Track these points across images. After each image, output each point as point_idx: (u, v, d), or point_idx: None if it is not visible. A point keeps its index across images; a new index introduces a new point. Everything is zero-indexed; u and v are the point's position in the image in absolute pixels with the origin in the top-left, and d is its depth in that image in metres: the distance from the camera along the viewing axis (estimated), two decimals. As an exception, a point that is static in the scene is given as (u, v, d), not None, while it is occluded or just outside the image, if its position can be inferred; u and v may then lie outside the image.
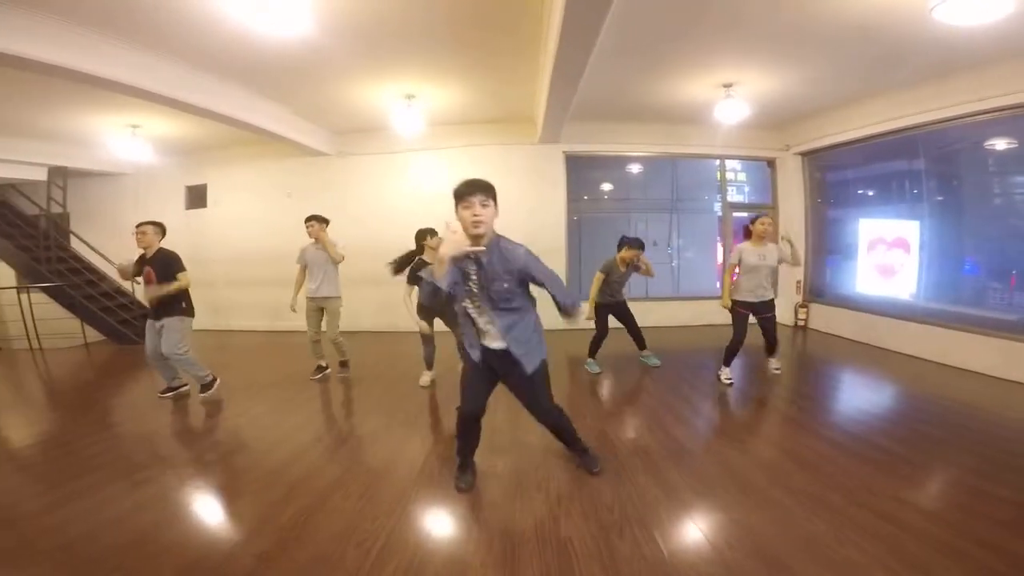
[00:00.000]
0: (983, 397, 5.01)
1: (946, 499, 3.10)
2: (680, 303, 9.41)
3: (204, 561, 2.51)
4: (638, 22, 4.73)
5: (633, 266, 5.74)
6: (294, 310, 5.81)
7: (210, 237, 9.78)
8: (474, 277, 2.76)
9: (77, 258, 9.63)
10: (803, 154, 8.81)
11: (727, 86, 6.46)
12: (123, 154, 8.17)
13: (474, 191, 2.62)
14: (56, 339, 8.57)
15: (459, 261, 2.67)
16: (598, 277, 5.71)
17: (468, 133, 8.72)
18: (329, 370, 6.03)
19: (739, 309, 5.16)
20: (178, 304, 5.09)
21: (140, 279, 5.18)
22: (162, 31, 4.79)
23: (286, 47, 5.08)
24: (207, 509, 3.12)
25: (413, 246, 5.30)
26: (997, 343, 5.65)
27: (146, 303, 5.24)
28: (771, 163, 9.37)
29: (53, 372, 7.21)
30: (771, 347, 5.48)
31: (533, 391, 3.01)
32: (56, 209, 9.34)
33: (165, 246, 5.14)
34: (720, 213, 9.83)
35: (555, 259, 8.79)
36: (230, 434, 4.38)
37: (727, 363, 5.37)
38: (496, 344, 2.88)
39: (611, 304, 5.85)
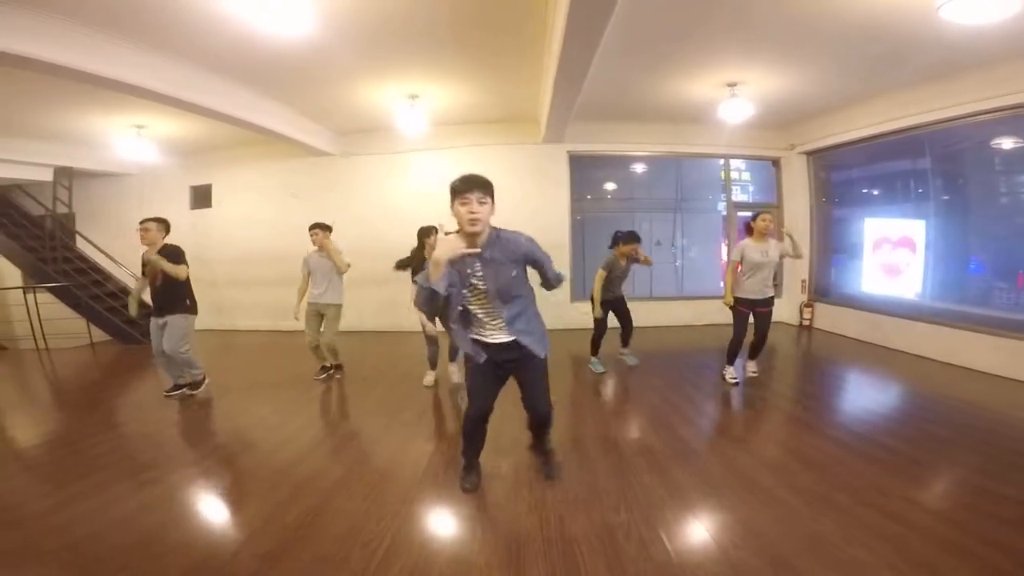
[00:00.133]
0: (989, 397, 4.98)
1: (952, 498, 3.09)
2: (684, 303, 9.40)
3: (210, 561, 2.51)
4: (642, 22, 4.71)
5: (632, 259, 5.75)
6: (297, 319, 5.80)
7: (214, 237, 9.80)
8: (480, 273, 2.72)
9: (83, 258, 9.65)
10: (808, 153, 8.77)
11: (731, 85, 6.43)
12: (128, 154, 8.20)
13: (472, 187, 2.58)
14: (62, 339, 8.60)
15: (455, 263, 2.62)
16: (600, 275, 5.69)
17: (472, 133, 8.72)
18: (333, 370, 6.04)
19: (740, 308, 5.14)
20: (182, 302, 5.11)
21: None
22: (167, 31, 4.80)
23: (290, 47, 5.08)
24: (213, 509, 3.13)
25: (413, 246, 5.29)
26: (1003, 343, 5.62)
27: (150, 301, 5.25)
28: (776, 162, 9.33)
29: (59, 372, 7.24)
30: (759, 346, 5.36)
31: (543, 382, 3.01)
32: (62, 209, 9.37)
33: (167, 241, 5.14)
34: (724, 213, 9.80)
35: (559, 258, 8.63)
36: (235, 434, 4.39)
37: (731, 362, 5.35)
38: (503, 337, 2.85)
39: (611, 300, 5.84)
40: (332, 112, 7.78)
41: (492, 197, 2.66)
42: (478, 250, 2.64)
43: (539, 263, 2.85)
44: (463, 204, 2.58)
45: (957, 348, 6.09)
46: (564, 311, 8.66)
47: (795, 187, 9.04)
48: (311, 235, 5.67)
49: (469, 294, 2.77)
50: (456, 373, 5.50)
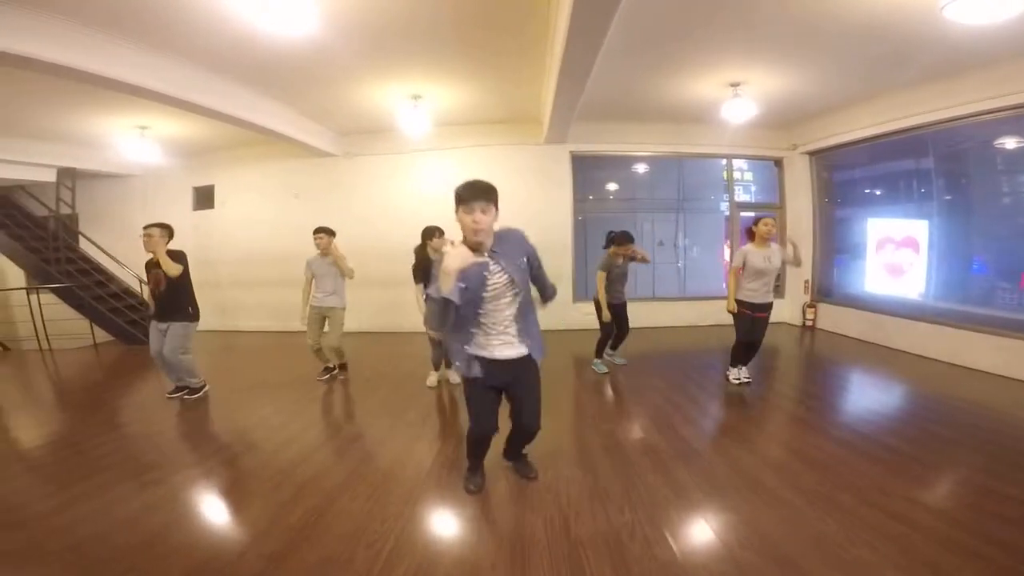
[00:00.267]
0: (993, 397, 4.97)
1: (956, 498, 3.09)
2: (687, 303, 9.39)
3: (214, 562, 2.51)
4: (645, 21, 4.71)
5: (629, 257, 5.75)
6: (304, 323, 5.79)
7: (217, 238, 9.82)
8: (497, 269, 2.67)
9: (86, 259, 9.67)
10: (811, 153, 8.76)
11: (734, 85, 6.43)
12: (131, 155, 8.21)
13: (476, 196, 2.54)
14: (65, 340, 8.62)
15: (465, 271, 2.55)
16: (601, 277, 5.68)
17: (474, 133, 8.72)
18: (336, 371, 6.05)
19: (742, 310, 5.13)
20: (185, 309, 5.14)
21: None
22: (168, 31, 4.80)
23: (293, 47, 5.08)
24: (216, 510, 3.14)
25: (419, 245, 5.30)
26: (1007, 342, 5.62)
27: (152, 304, 5.25)
28: (778, 162, 9.32)
29: (62, 372, 7.26)
30: (754, 349, 5.33)
31: (537, 398, 2.96)
32: (65, 210, 9.38)
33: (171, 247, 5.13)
34: (727, 213, 9.79)
35: (561, 259, 8.81)
36: (238, 435, 4.39)
37: (734, 364, 5.35)
38: (508, 353, 2.79)
39: (615, 306, 5.82)
40: (334, 112, 7.78)
41: (496, 203, 2.62)
42: (486, 259, 2.63)
43: (539, 265, 2.86)
44: (467, 213, 2.55)
45: (960, 348, 6.08)
46: (565, 312, 8.66)
47: (798, 187, 9.02)
48: (316, 239, 5.64)
49: (487, 295, 2.68)
50: (456, 375, 5.49)
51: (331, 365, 6.02)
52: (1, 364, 8.09)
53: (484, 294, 2.65)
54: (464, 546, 2.63)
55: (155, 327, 5.16)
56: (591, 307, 5.97)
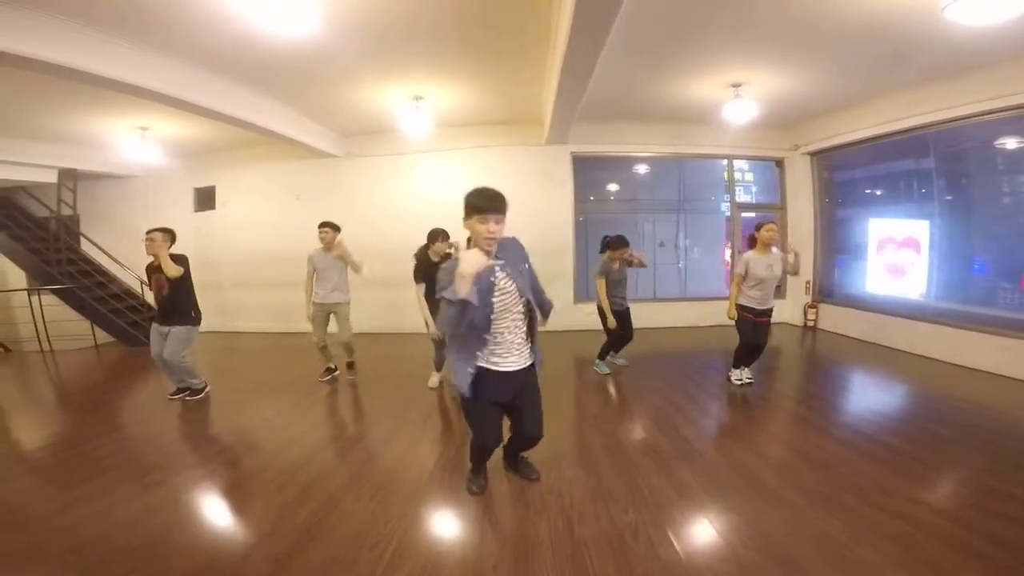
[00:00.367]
0: (994, 396, 4.97)
1: (959, 498, 3.08)
2: (687, 304, 9.39)
3: (216, 564, 2.51)
4: (647, 22, 4.70)
5: (626, 261, 5.75)
6: (310, 320, 5.77)
7: (218, 239, 9.81)
8: (504, 276, 2.68)
9: (87, 260, 9.68)
10: (812, 154, 8.76)
11: (736, 86, 6.43)
12: (132, 156, 8.20)
13: (494, 208, 2.54)
14: (66, 341, 8.62)
15: (480, 275, 2.52)
16: (600, 283, 5.67)
17: (475, 134, 8.71)
18: (337, 372, 6.05)
19: (744, 315, 5.12)
20: (188, 313, 5.15)
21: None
22: (168, 31, 4.79)
23: (294, 47, 5.08)
24: (218, 512, 3.13)
25: (418, 247, 5.29)
26: (1008, 342, 5.62)
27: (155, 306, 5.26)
28: (779, 163, 9.31)
29: (63, 374, 7.25)
30: (758, 352, 5.31)
31: (540, 405, 2.97)
32: (66, 211, 9.37)
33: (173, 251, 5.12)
34: (728, 214, 9.79)
35: (562, 260, 8.82)
36: (240, 436, 4.39)
37: (736, 365, 5.34)
38: (514, 365, 2.78)
39: (619, 312, 5.80)
40: (335, 113, 7.78)
41: (505, 213, 2.63)
42: (501, 261, 2.66)
43: (535, 277, 2.88)
44: (482, 223, 2.54)
45: (961, 348, 6.08)
46: (567, 312, 8.67)
47: (799, 188, 9.02)
48: (321, 233, 5.63)
49: (496, 302, 2.66)
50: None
51: (333, 366, 6.02)
52: (2, 365, 8.09)
53: (493, 299, 2.64)
54: (467, 547, 2.62)
55: (156, 330, 5.17)
56: (592, 308, 5.96)
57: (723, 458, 3.63)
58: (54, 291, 8.78)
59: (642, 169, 10.12)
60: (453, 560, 2.50)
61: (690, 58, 5.71)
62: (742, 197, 10.11)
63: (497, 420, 2.92)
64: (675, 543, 2.56)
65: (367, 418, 4.90)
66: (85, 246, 9.91)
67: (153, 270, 5.06)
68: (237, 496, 3.28)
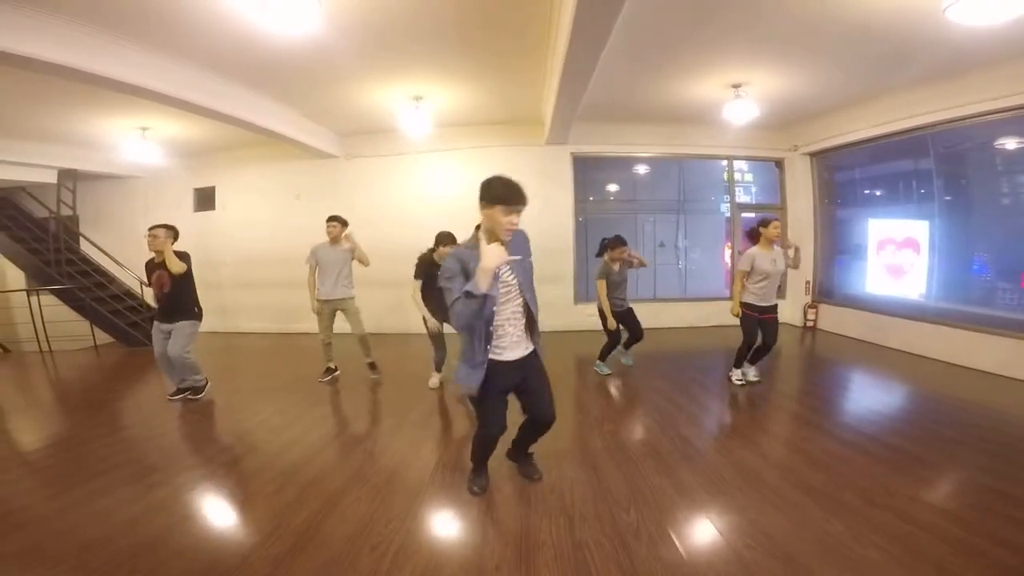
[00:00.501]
0: (994, 396, 4.98)
1: (960, 498, 3.08)
2: (688, 304, 9.40)
3: (217, 565, 2.50)
4: (648, 22, 4.71)
5: (626, 262, 5.75)
6: (316, 313, 5.75)
7: (218, 239, 9.80)
8: (508, 272, 2.73)
9: (86, 260, 9.66)
10: (812, 154, 8.77)
11: (736, 86, 6.43)
12: (132, 156, 8.20)
13: (521, 201, 2.59)
14: (65, 341, 8.61)
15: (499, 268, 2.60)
16: (601, 285, 5.68)
17: (476, 135, 8.71)
18: (338, 372, 6.04)
19: (748, 312, 5.12)
20: (191, 309, 5.16)
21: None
22: (169, 31, 4.78)
23: (294, 47, 5.08)
24: (219, 512, 3.13)
25: (419, 248, 5.31)
26: (1007, 342, 5.63)
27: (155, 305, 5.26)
28: (779, 163, 9.32)
29: (62, 374, 7.24)
30: (764, 353, 5.29)
31: (549, 386, 3.01)
32: (66, 212, 9.37)
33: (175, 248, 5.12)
34: (728, 214, 9.79)
35: (563, 261, 8.83)
36: (241, 437, 4.38)
37: (738, 364, 5.34)
38: (518, 353, 2.84)
39: (621, 313, 5.81)
40: (335, 113, 7.77)
41: None
42: (518, 257, 2.69)
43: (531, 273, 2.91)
44: (506, 214, 2.57)
45: (961, 348, 6.09)
46: (567, 313, 8.68)
47: (799, 188, 9.03)
48: (329, 227, 5.63)
49: (499, 292, 2.70)
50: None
51: (333, 366, 6.01)
52: (1, 366, 8.07)
53: (495, 292, 2.66)
54: (469, 548, 2.62)
55: (158, 329, 5.16)
56: (593, 308, 5.96)
57: (724, 458, 3.63)
58: (53, 291, 8.77)
59: (642, 169, 10.14)
60: (455, 560, 2.50)
61: (690, 58, 5.71)
62: (742, 197, 10.11)
63: (503, 408, 2.95)
64: (677, 543, 2.56)
65: (368, 418, 4.90)
66: (85, 246, 9.88)
67: (153, 267, 5.06)
68: (238, 497, 3.27)
